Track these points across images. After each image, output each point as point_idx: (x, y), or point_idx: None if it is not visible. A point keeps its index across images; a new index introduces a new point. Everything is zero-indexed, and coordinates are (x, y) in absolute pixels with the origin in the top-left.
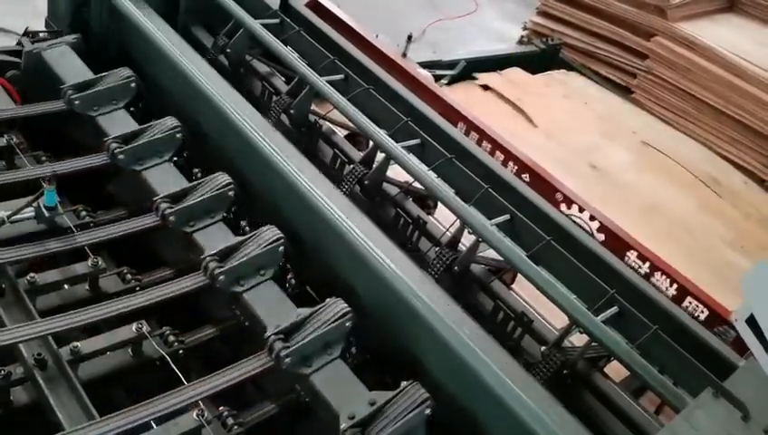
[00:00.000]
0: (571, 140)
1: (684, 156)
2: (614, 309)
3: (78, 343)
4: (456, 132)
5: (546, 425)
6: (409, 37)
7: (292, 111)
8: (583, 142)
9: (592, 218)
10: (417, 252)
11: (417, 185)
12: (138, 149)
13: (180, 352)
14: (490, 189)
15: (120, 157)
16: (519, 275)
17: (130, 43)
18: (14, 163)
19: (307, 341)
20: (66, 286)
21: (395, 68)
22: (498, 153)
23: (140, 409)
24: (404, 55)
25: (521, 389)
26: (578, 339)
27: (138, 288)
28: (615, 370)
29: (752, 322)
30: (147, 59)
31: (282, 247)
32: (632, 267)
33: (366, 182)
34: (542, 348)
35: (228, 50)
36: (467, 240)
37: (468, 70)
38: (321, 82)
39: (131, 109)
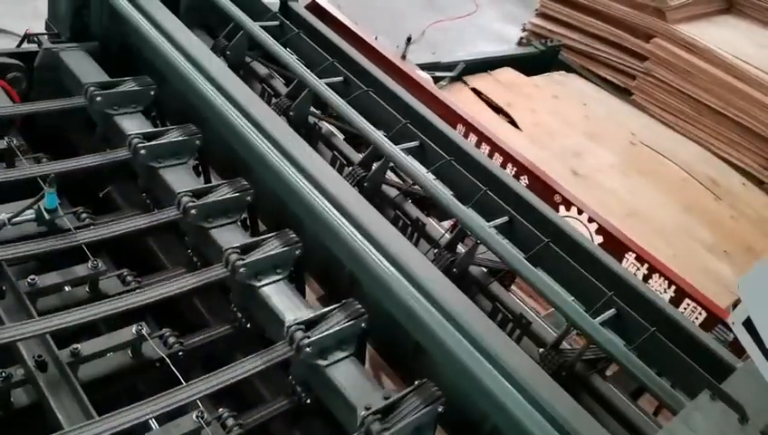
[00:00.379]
0: (555, 143)
1: (682, 157)
2: (612, 311)
3: (78, 345)
4: (455, 134)
5: (558, 415)
6: (409, 39)
7: (291, 114)
8: (567, 146)
9: (591, 220)
10: None
11: (416, 187)
12: (158, 148)
13: (180, 353)
14: (488, 191)
15: (142, 152)
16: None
17: (131, 45)
18: (14, 165)
19: (326, 334)
20: (67, 289)
21: (394, 70)
22: (497, 155)
23: (143, 406)
24: (403, 57)
25: (530, 379)
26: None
27: (138, 290)
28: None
29: (749, 324)
30: (148, 61)
31: (298, 250)
32: (630, 269)
33: (365, 184)
34: (540, 350)
35: (228, 52)
36: (466, 242)
37: (467, 72)
38: (321, 85)
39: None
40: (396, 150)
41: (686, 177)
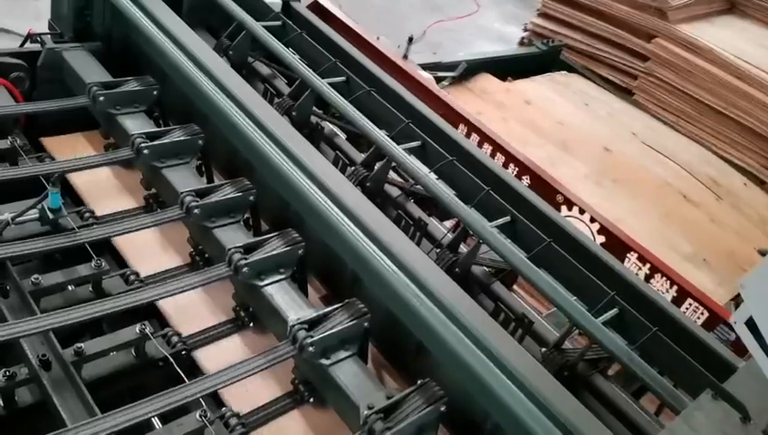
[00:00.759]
0: (527, 154)
1: (683, 158)
2: (614, 311)
3: (82, 344)
4: (457, 134)
5: (560, 414)
6: (410, 39)
7: (294, 114)
8: (539, 157)
9: (593, 220)
10: None
11: (418, 187)
12: (161, 148)
13: (183, 352)
14: (491, 191)
15: (145, 152)
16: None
17: (133, 44)
18: (17, 165)
19: (328, 334)
20: (70, 288)
21: (396, 70)
22: (499, 155)
23: (146, 404)
24: (405, 57)
25: (532, 378)
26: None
27: (140, 289)
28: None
29: (751, 324)
30: (150, 61)
31: (301, 250)
32: (632, 269)
33: (368, 184)
34: (543, 349)
35: (231, 52)
36: (468, 242)
37: (469, 71)
38: (323, 85)
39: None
40: (398, 150)
41: (663, 184)
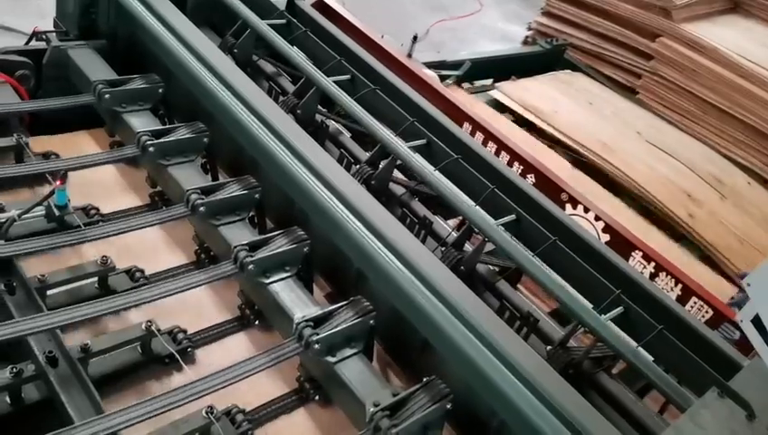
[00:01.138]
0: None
1: (687, 156)
2: (619, 309)
3: (88, 341)
4: (462, 133)
5: (566, 411)
6: (414, 38)
7: (298, 112)
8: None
9: (597, 219)
10: None
11: (423, 185)
12: (167, 146)
13: (189, 349)
14: (496, 190)
15: (150, 150)
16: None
17: (138, 42)
18: (23, 161)
19: (334, 331)
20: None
21: (400, 68)
22: (504, 153)
23: (153, 401)
24: (409, 56)
25: (538, 376)
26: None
27: (146, 287)
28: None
29: (757, 322)
30: (155, 60)
31: (306, 248)
32: (637, 268)
33: (372, 182)
34: (548, 347)
35: (235, 50)
36: (472, 240)
37: (473, 70)
38: (328, 83)
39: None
40: (403, 148)
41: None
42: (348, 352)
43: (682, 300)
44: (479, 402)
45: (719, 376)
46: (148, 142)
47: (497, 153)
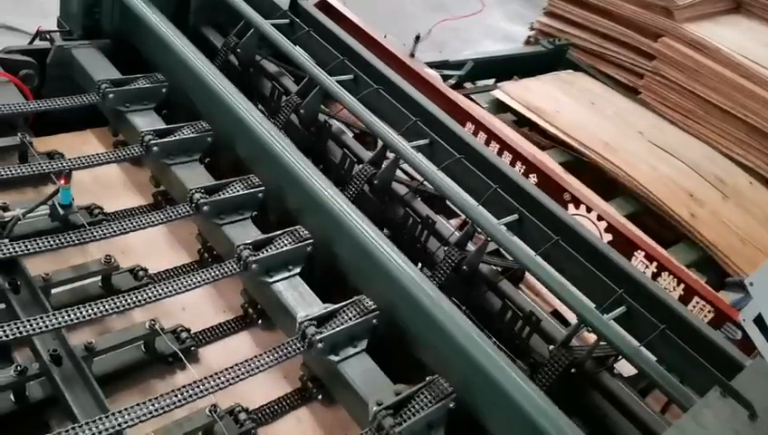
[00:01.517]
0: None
1: (689, 156)
2: (622, 308)
3: (92, 339)
4: (465, 132)
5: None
6: (417, 37)
7: (301, 111)
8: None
9: (600, 218)
10: (426, 251)
11: (426, 184)
12: (170, 145)
13: (192, 348)
14: (498, 189)
15: (154, 149)
16: (527, 274)
17: (142, 44)
18: (27, 161)
19: (337, 330)
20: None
21: (403, 68)
22: (506, 153)
23: (157, 400)
24: (412, 55)
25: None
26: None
27: (149, 287)
28: (621, 368)
29: (759, 321)
30: (158, 60)
31: (309, 247)
32: (640, 267)
33: (375, 182)
34: (550, 347)
35: (238, 50)
36: (476, 239)
37: (476, 70)
38: (331, 82)
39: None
40: (406, 148)
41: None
42: (351, 350)
43: (684, 300)
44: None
45: (721, 376)
46: (152, 142)
47: (500, 153)
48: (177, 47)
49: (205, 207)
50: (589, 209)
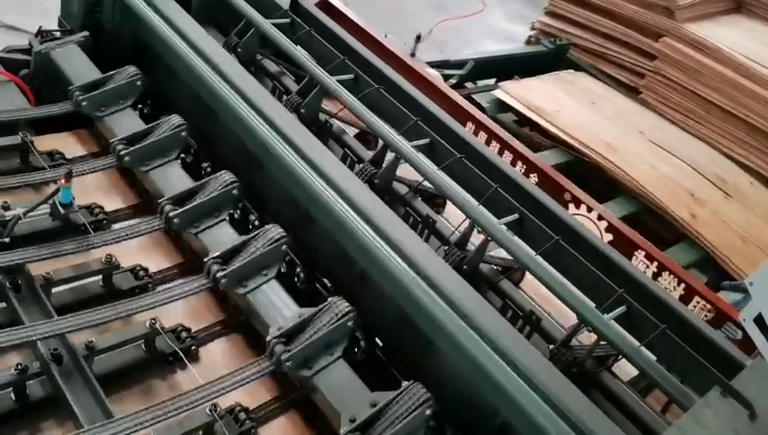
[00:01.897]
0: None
1: (690, 156)
2: (622, 308)
3: (93, 338)
4: (466, 132)
5: (568, 410)
6: (418, 37)
7: (302, 111)
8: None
9: (600, 218)
10: None
11: (426, 184)
12: (143, 150)
13: (192, 347)
14: (499, 189)
15: (126, 159)
16: (527, 274)
17: (143, 41)
18: (28, 160)
19: (308, 343)
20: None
21: (404, 68)
22: (507, 153)
23: (158, 407)
24: (412, 55)
25: (541, 375)
26: (586, 338)
27: (150, 285)
28: (622, 369)
29: (759, 321)
30: (160, 56)
31: (284, 246)
32: (640, 267)
33: (376, 181)
34: (551, 346)
35: (239, 49)
36: (476, 239)
37: (477, 70)
38: (332, 82)
39: (140, 106)
40: (407, 148)
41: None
42: (326, 360)
43: (684, 299)
44: (483, 402)
45: (721, 375)
46: (123, 152)
47: (500, 153)
48: (177, 45)
49: (175, 220)
50: (589, 209)
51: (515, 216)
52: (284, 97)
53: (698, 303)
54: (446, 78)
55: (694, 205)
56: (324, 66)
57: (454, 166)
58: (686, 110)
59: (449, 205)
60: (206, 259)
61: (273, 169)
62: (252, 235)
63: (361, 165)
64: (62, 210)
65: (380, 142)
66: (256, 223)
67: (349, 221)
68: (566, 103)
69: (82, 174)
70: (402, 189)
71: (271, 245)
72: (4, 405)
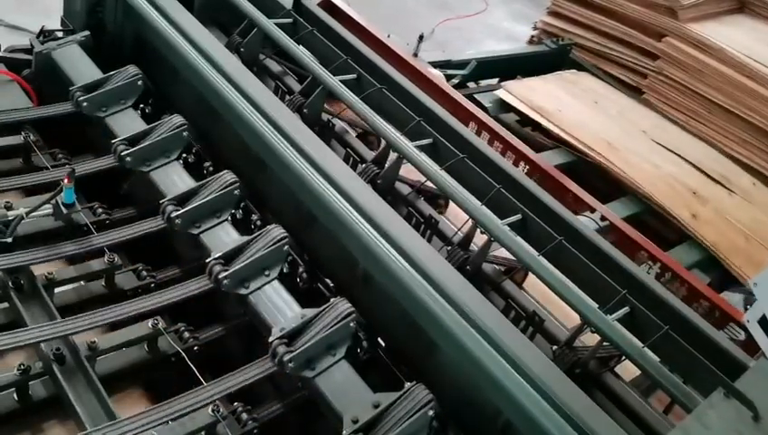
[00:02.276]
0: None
1: (692, 156)
2: (625, 309)
3: (96, 339)
4: (468, 132)
5: (572, 411)
6: (420, 37)
7: (305, 111)
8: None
9: (603, 219)
10: None
11: (429, 184)
12: (144, 151)
13: (195, 348)
14: (502, 189)
15: (128, 159)
16: (530, 274)
17: (145, 41)
18: (30, 161)
19: (310, 344)
20: (83, 282)
21: (406, 68)
22: (509, 153)
23: (162, 408)
24: (415, 55)
25: (544, 376)
26: (589, 339)
27: (152, 285)
28: (625, 370)
29: (763, 322)
30: (162, 56)
31: (287, 246)
32: (643, 268)
33: (378, 181)
34: (554, 347)
35: (242, 49)
36: (479, 239)
37: (479, 70)
38: (334, 82)
39: (141, 105)
40: (409, 148)
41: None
42: (329, 361)
43: (688, 301)
44: (485, 403)
45: (725, 377)
46: (125, 153)
47: (503, 153)
48: (179, 45)
49: (177, 220)
50: (592, 210)
51: (518, 216)
52: (287, 97)
53: (702, 304)
54: (449, 78)
55: (696, 204)
56: (327, 66)
57: (456, 166)
58: (688, 110)
59: (452, 205)
60: (207, 260)
61: (276, 169)
62: (254, 235)
63: (364, 165)
64: (64, 210)
65: (383, 142)
66: (258, 223)
67: (351, 221)
68: (568, 103)
69: (84, 174)
70: (405, 190)
71: (273, 245)
72: (7, 405)
